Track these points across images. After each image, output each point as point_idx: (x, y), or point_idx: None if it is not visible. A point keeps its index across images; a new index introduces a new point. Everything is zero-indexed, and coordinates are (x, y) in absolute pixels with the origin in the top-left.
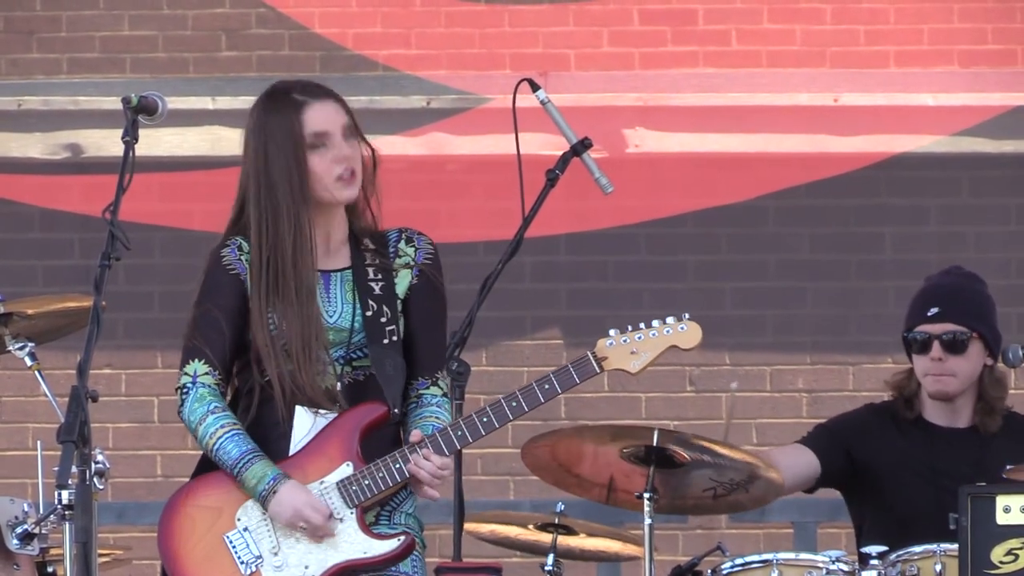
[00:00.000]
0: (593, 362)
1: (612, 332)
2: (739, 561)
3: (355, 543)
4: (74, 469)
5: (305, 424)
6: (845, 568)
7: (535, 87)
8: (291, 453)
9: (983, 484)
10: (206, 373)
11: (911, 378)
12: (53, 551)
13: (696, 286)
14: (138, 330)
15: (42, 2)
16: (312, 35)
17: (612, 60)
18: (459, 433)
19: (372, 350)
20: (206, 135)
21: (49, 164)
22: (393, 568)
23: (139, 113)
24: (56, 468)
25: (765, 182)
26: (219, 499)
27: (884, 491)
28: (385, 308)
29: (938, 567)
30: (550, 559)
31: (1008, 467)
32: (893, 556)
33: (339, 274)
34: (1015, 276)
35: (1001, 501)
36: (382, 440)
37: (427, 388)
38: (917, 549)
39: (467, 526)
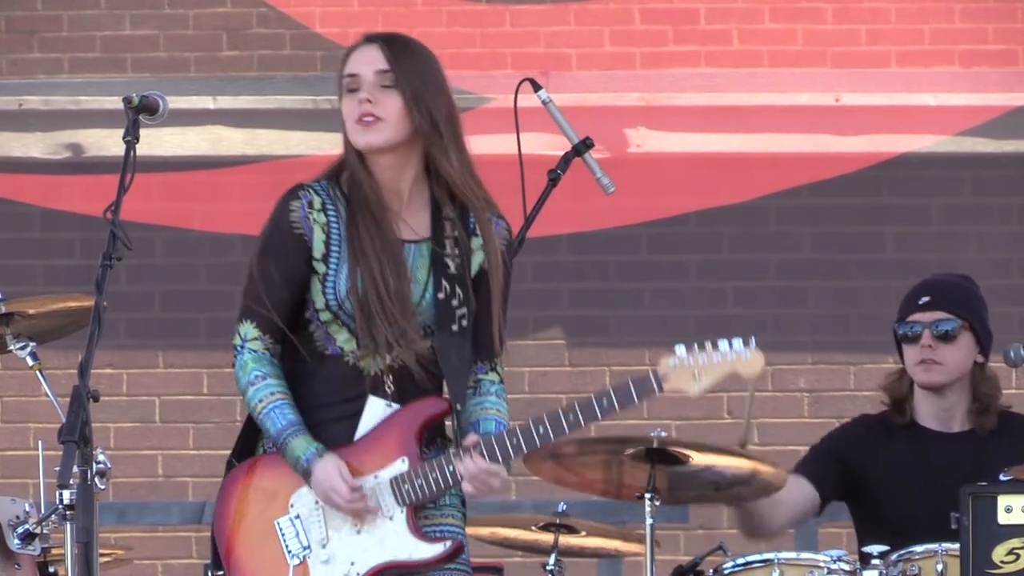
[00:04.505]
0: (654, 382)
1: (678, 350)
2: (741, 560)
3: (402, 543)
4: (75, 469)
5: (375, 414)
6: (846, 568)
7: (537, 87)
8: (355, 439)
9: (984, 484)
10: (255, 338)
11: (902, 379)
12: (54, 551)
13: (698, 286)
14: (139, 330)
15: (43, 2)
16: (313, 34)
17: (614, 60)
18: (514, 441)
19: (439, 338)
20: (207, 135)
21: (50, 164)
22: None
23: (140, 113)
24: (57, 468)
25: (767, 182)
26: (276, 481)
27: (881, 500)
28: (458, 290)
29: (939, 567)
30: (552, 559)
31: (1008, 470)
32: (894, 556)
33: (416, 247)
34: (1016, 276)
35: (1003, 501)
36: (442, 433)
37: (486, 373)
38: (919, 549)
39: (469, 529)
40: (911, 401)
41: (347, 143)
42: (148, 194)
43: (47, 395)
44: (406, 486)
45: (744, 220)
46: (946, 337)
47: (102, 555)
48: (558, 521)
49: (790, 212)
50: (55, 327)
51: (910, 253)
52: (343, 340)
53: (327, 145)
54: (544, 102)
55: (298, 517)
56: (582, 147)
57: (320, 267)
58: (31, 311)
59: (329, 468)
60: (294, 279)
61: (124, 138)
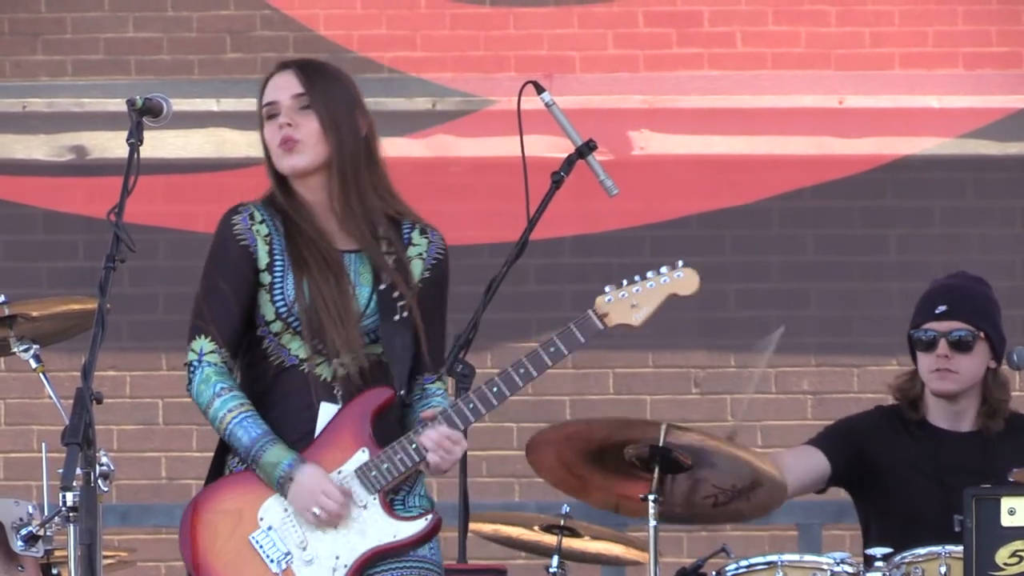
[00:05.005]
0: (595, 319)
1: (608, 288)
2: (744, 563)
3: (383, 528)
4: (79, 471)
5: (326, 419)
6: (850, 570)
7: (540, 89)
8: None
9: (988, 486)
10: (212, 351)
11: (914, 380)
12: (57, 553)
13: (701, 288)
14: (143, 332)
15: (47, 4)
16: (317, 37)
17: (617, 62)
18: (471, 406)
19: (383, 326)
20: (211, 137)
21: (54, 166)
22: (414, 552)
23: (144, 115)
24: (61, 470)
25: (770, 184)
26: (236, 501)
27: (892, 492)
28: (398, 285)
29: (943, 569)
30: (555, 561)
31: (1015, 470)
32: (898, 558)
33: (356, 256)
34: (1020, 278)
35: (1006, 503)
36: (390, 426)
37: (432, 383)
38: (922, 551)
39: (471, 525)
40: (923, 400)
41: (271, 171)
42: (151, 196)
43: (50, 397)
44: (373, 473)
45: (747, 222)
46: (962, 347)
47: (105, 557)
48: (562, 523)
49: (793, 214)
50: (58, 329)
51: (913, 255)
52: (296, 348)
53: None
54: (547, 104)
55: (271, 528)
56: (585, 149)
57: (266, 277)
58: (34, 313)
59: (317, 473)
60: (243, 291)
61: (128, 140)
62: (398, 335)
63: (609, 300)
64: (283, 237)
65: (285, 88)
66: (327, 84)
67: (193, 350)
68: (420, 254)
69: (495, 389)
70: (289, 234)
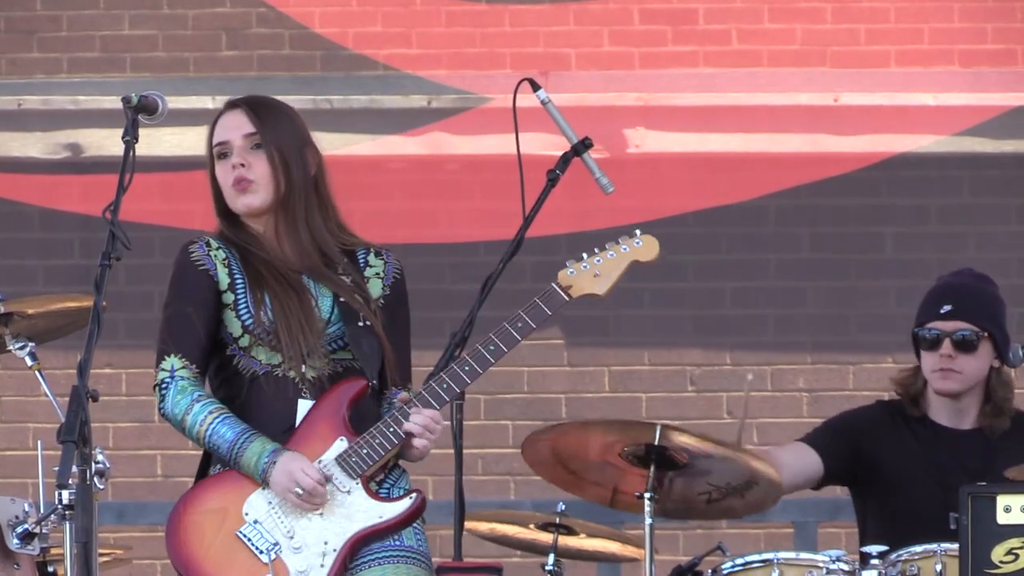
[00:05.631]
0: (560, 292)
1: (569, 262)
2: (740, 561)
3: (369, 510)
4: (74, 469)
5: (305, 412)
6: (845, 568)
7: (536, 87)
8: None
9: (983, 484)
10: (183, 367)
11: (917, 376)
12: (53, 551)
13: (696, 286)
14: (138, 330)
15: (42, 1)
16: (312, 35)
17: (613, 60)
18: (444, 386)
19: (348, 330)
20: (206, 135)
21: (49, 164)
22: (397, 539)
23: (139, 112)
24: (56, 468)
25: (766, 182)
26: (221, 500)
27: (892, 487)
28: (358, 296)
29: (939, 567)
30: (551, 559)
31: (1012, 468)
32: (893, 556)
33: (312, 277)
34: (1016, 276)
35: (1002, 501)
36: (369, 413)
37: (400, 396)
38: (918, 549)
39: (467, 524)
40: (925, 397)
41: (219, 209)
42: (147, 194)
43: (46, 395)
44: (353, 459)
45: (743, 220)
46: (966, 347)
47: (101, 555)
48: (557, 521)
49: (789, 212)
50: (54, 327)
51: (909, 253)
52: (267, 357)
53: (326, 145)
54: (543, 102)
55: (257, 522)
56: (581, 147)
57: (229, 297)
58: (30, 311)
59: (296, 456)
60: (206, 313)
61: (123, 138)
62: (364, 338)
63: (572, 272)
64: (239, 260)
65: (236, 128)
66: (277, 123)
67: (164, 369)
68: (377, 274)
69: (466, 368)
70: (244, 258)
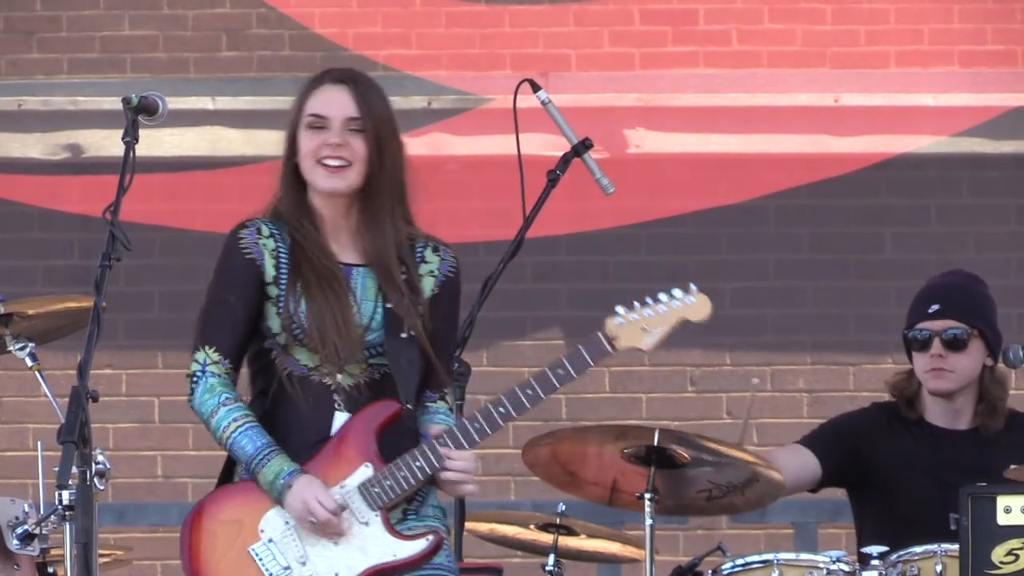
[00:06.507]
0: (604, 342)
1: (620, 310)
2: (740, 561)
3: (383, 546)
4: (74, 469)
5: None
6: (846, 568)
7: (536, 87)
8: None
9: (984, 484)
10: (216, 362)
11: (911, 379)
12: (53, 551)
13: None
14: (138, 330)
15: (42, 2)
16: (312, 35)
17: (613, 60)
18: (476, 425)
19: (389, 342)
20: (206, 135)
21: (49, 164)
22: (427, 563)
23: (139, 113)
24: (56, 468)
25: (765, 182)
26: (238, 511)
27: (889, 489)
28: (407, 302)
29: (939, 567)
30: (551, 559)
31: (1012, 467)
32: (894, 556)
33: (363, 269)
34: (1015, 276)
35: (1002, 501)
36: (401, 435)
37: (434, 402)
38: (918, 549)
39: (467, 524)
40: (920, 399)
41: (288, 173)
42: (147, 195)
43: (46, 396)
44: (375, 489)
45: (743, 220)
46: (956, 345)
47: (101, 556)
48: (558, 521)
49: (789, 212)
50: (54, 328)
51: (909, 253)
52: (305, 359)
53: None
54: (543, 103)
55: (271, 541)
56: (581, 148)
57: (273, 290)
58: (30, 312)
59: (313, 482)
60: (250, 304)
61: (123, 138)
62: (403, 351)
63: (620, 323)
64: (289, 251)
65: (339, 107)
66: (379, 109)
67: (196, 361)
68: (432, 271)
69: (501, 410)
70: (296, 246)
